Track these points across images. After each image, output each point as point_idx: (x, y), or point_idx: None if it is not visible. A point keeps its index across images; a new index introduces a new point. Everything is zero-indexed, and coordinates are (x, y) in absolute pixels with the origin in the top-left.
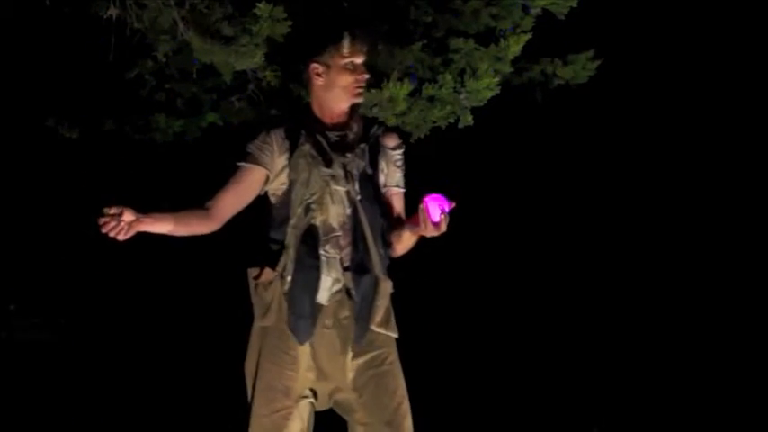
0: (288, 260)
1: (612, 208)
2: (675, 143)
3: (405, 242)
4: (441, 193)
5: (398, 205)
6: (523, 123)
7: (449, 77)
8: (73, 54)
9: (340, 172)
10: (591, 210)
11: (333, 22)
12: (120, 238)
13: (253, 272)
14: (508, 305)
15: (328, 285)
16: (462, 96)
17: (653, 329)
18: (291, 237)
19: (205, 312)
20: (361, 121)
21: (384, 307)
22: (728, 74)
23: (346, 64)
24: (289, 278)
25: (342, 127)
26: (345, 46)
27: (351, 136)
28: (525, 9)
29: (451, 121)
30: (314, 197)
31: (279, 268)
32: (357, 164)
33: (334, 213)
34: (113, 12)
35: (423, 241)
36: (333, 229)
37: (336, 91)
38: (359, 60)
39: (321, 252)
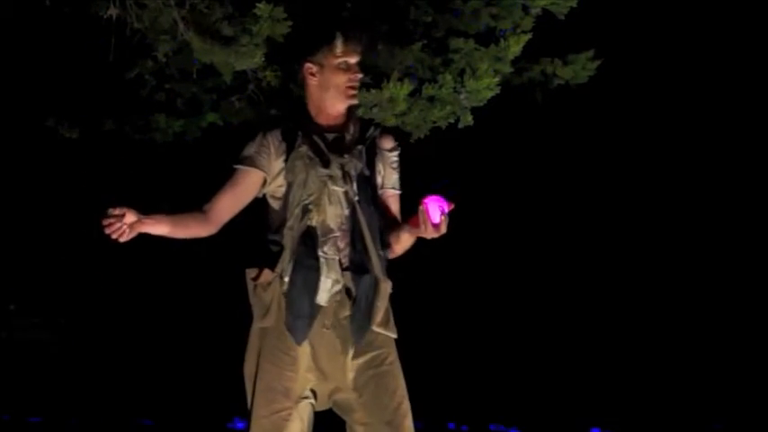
0: (286, 261)
1: (612, 208)
2: (675, 143)
3: (403, 243)
4: (440, 194)
5: (395, 207)
6: (523, 123)
7: (449, 77)
8: (73, 54)
9: (338, 172)
10: (591, 209)
11: (326, 22)
12: (122, 239)
13: (251, 273)
14: (508, 305)
15: (328, 287)
16: (462, 96)
17: (653, 329)
18: (289, 238)
19: (204, 313)
20: (358, 123)
21: (384, 308)
22: (728, 74)
23: (340, 63)
24: (287, 279)
25: (339, 128)
26: (338, 46)
27: (348, 137)
28: (525, 9)
29: (451, 121)
30: (311, 198)
31: (278, 269)
32: (355, 165)
33: (332, 214)
34: (113, 12)
35: (422, 242)
36: (331, 230)
37: (331, 91)
38: (353, 60)
39: (320, 253)
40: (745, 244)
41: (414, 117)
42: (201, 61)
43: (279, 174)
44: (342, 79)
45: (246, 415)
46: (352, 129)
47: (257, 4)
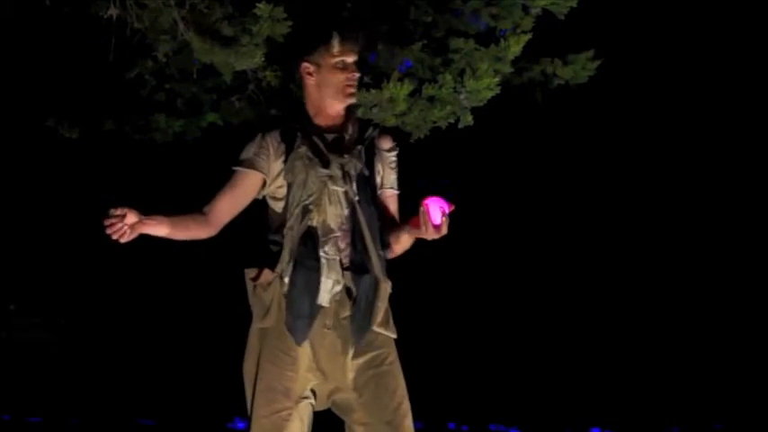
0: (286, 261)
1: (612, 207)
2: (675, 143)
3: (402, 243)
4: (440, 195)
5: (393, 206)
6: (523, 123)
7: (449, 77)
8: (73, 54)
9: (338, 172)
10: (590, 209)
11: (323, 22)
12: (123, 240)
13: (251, 273)
14: (507, 306)
15: (329, 287)
16: (462, 96)
17: (653, 329)
18: (289, 238)
19: (204, 313)
20: (356, 123)
21: (384, 308)
22: (728, 73)
23: (337, 63)
24: (287, 279)
25: (338, 128)
26: (335, 45)
27: (347, 137)
28: (525, 9)
29: (451, 121)
30: (311, 198)
31: (278, 269)
32: (354, 165)
33: (333, 214)
34: (113, 12)
35: (422, 242)
36: (331, 230)
37: (328, 90)
38: (350, 59)
39: (321, 253)
40: (745, 244)
41: (414, 117)
42: (201, 61)
43: (278, 175)
44: (339, 78)
45: (246, 415)
46: (350, 129)
47: (257, 4)
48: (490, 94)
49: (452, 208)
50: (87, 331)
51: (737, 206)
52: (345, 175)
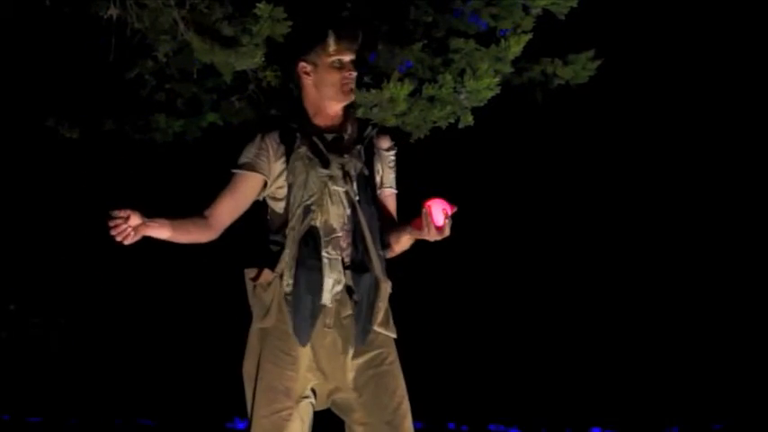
0: (286, 261)
1: (612, 208)
2: (675, 143)
3: (402, 244)
4: (442, 197)
5: (392, 206)
6: (523, 123)
7: (449, 77)
8: (73, 54)
9: (338, 172)
10: (591, 209)
11: (319, 21)
12: (127, 242)
13: (250, 273)
14: (507, 305)
15: (330, 287)
16: (462, 96)
17: (653, 329)
18: (290, 238)
19: (204, 313)
20: (355, 123)
21: (384, 308)
22: (728, 73)
23: (333, 62)
24: (290, 280)
25: (337, 128)
26: (331, 44)
27: (346, 137)
28: (525, 9)
29: (451, 121)
30: (313, 198)
31: (278, 269)
32: (354, 164)
33: (335, 214)
34: (113, 12)
35: (422, 242)
36: (333, 230)
37: (326, 89)
38: (347, 58)
39: (323, 254)
40: (745, 244)
41: (414, 117)
42: (201, 61)
43: (279, 175)
44: (336, 77)
45: (246, 415)
46: (349, 128)
47: (257, 4)
48: (490, 94)
49: (455, 209)
50: (87, 331)
51: (737, 206)
52: (346, 175)
